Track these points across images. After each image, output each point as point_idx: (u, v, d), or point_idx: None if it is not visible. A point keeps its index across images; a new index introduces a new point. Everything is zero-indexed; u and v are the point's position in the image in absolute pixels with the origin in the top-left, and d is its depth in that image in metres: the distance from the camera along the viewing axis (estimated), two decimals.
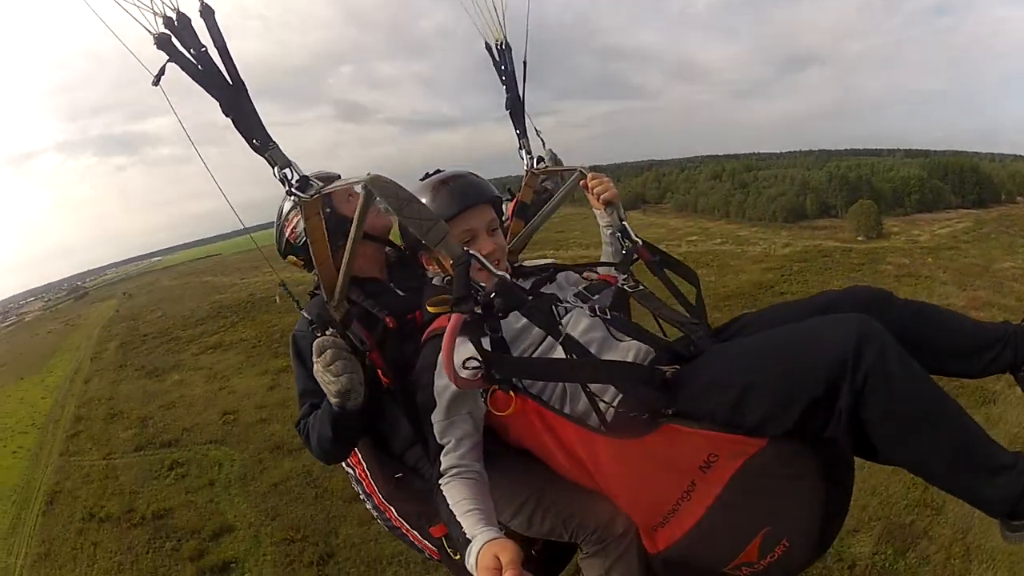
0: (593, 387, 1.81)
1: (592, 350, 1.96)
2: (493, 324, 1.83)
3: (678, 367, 1.78)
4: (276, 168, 1.79)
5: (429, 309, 2.12)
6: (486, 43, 2.69)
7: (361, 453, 2.44)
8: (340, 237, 2.04)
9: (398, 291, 2.51)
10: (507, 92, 2.72)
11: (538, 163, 2.75)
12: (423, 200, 2.07)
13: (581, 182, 2.51)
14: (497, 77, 2.73)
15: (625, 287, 2.29)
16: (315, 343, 1.93)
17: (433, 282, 2.31)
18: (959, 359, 1.87)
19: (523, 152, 2.76)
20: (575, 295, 2.14)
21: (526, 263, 2.51)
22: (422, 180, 2.26)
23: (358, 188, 1.83)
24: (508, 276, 1.86)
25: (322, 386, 1.96)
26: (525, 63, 2.68)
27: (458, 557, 1.66)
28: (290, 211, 2.46)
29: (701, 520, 1.75)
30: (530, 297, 2.05)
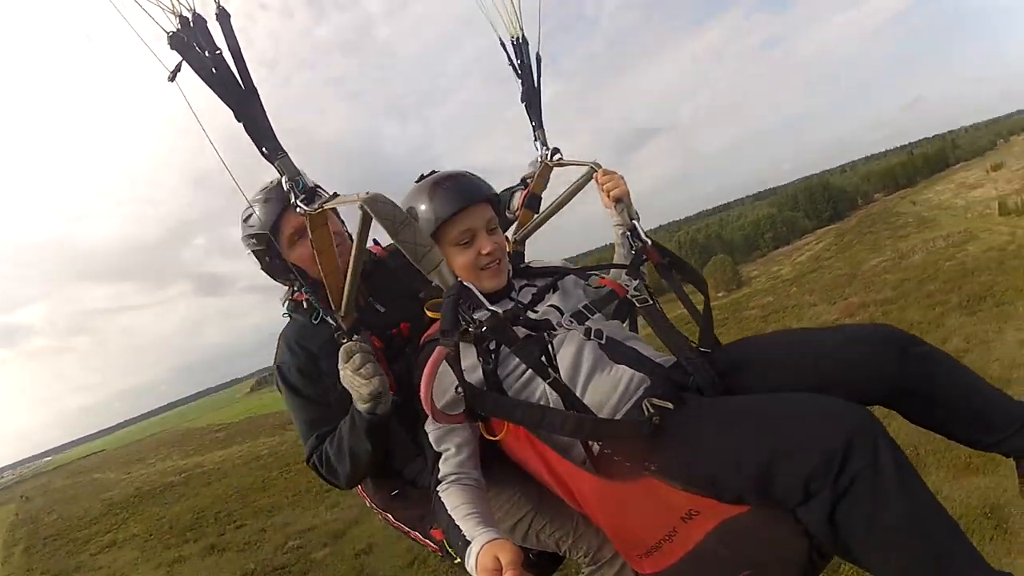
0: None
1: (582, 374, 1.91)
2: (486, 357, 1.81)
3: (671, 406, 1.73)
4: (285, 178, 1.78)
5: (428, 312, 2.11)
6: (500, 39, 2.66)
7: None
8: (281, 278, 2.43)
9: (377, 306, 2.41)
10: (523, 84, 2.66)
11: (553, 155, 2.66)
12: (420, 203, 2.08)
13: (594, 176, 2.47)
14: (512, 72, 2.68)
15: (634, 300, 2.21)
16: (343, 348, 1.89)
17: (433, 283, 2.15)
18: (966, 428, 1.77)
19: (538, 143, 2.68)
20: (573, 315, 2.07)
21: (533, 263, 2.44)
22: (417, 182, 2.19)
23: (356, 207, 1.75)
24: (500, 312, 1.76)
25: (353, 391, 1.91)
26: (539, 57, 2.67)
27: (458, 561, 1.65)
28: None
29: (682, 559, 1.70)
30: (525, 328, 1.92)
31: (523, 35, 2.64)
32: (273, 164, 1.75)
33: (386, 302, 2.39)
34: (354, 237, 1.80)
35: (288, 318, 2.42)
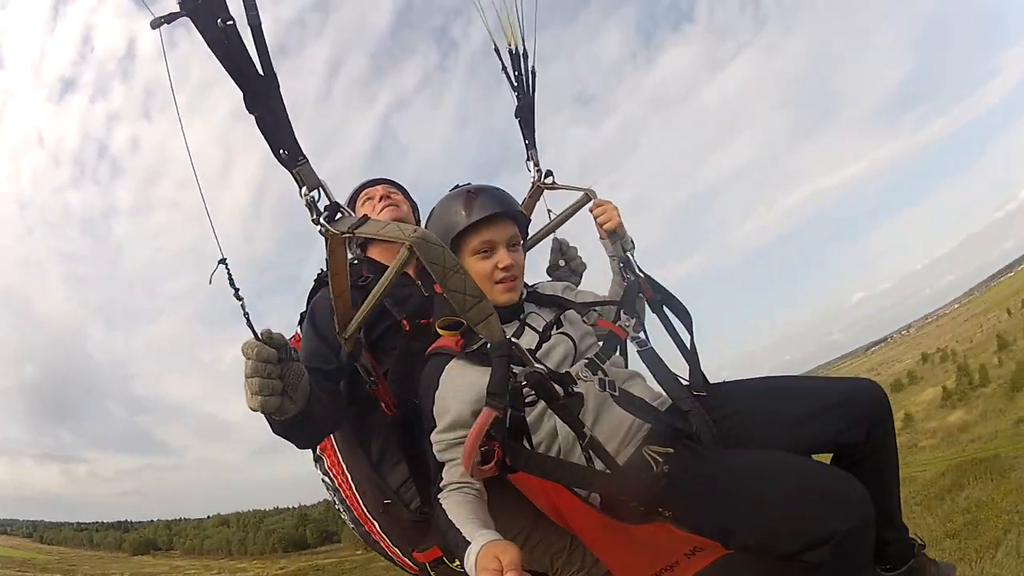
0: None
1: (588, 418, 1.90)
2: (518, 407, 1.65)
3: (671, 451, 1.80)
4: (303, 189, 1.50)
5: (438, 330, 2.04)
6: (495, 46, 2.57)
7: (351, 472, 2.31)
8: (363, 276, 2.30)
9: (424, 291, 2.35)
10: (518, 99, 2.57)
11: (545, 177, 2.56)
12: (450, 208, 2.06)
13: (588, 206, 2.40)
14: (508, 84, 2.61)
15: (634, 344, 2.17)
16: (242, 346, 1.57)
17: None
18: (878, 510, 1.68)
19: (531, 164, 2.58)
20: (586, 365, 2.00)
21: (539, 288, 2.36)
22: (451, 190, 2.18)
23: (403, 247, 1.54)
24: (544, 370, 1.66)
25: None
26: (534, 71, 2.57)
27: (457, 565, 1.63)
28: None
29: None
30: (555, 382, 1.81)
31: (523, 46, 2.56)
32: (291, 172, 1.48)
33: (402, 289, 2.32)
34: (388, 270, 1.60)
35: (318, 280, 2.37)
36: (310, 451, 2.37)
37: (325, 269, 2.07)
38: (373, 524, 2.30)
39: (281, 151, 1.47)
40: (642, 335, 2.19)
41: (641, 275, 2.29)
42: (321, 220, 1.52)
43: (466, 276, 1.52)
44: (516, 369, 1.59)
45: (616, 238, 2.31)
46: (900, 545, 1.95)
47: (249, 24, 1.39)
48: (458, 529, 1.65)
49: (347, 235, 1.52)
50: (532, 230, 2.59)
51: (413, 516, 2.13)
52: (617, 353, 2.22)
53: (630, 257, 2.31)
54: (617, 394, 1.93)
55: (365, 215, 1.62)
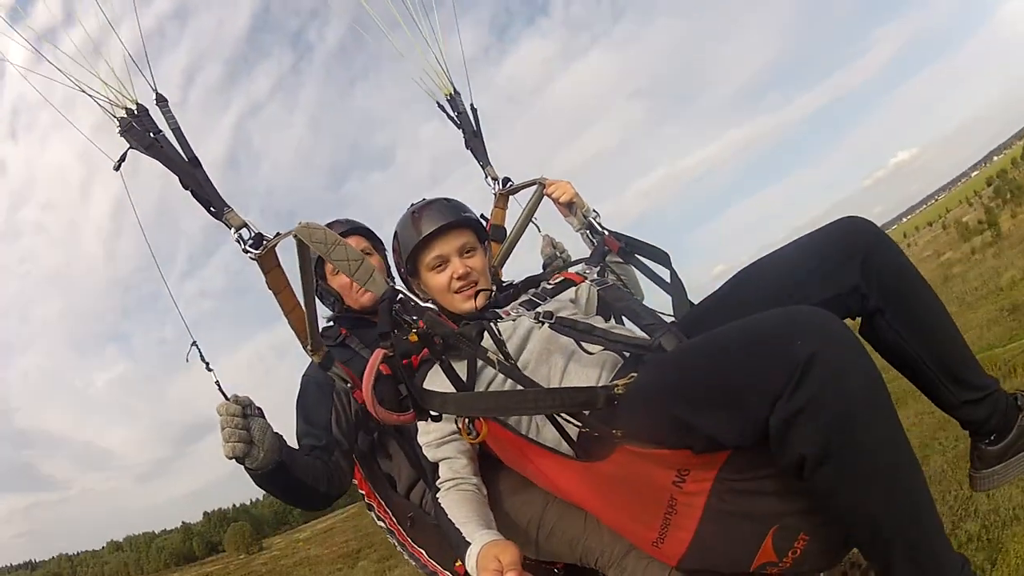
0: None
1: (558, 367, 1.84)
2: (438, 355, 1.79)
3: (634, 375, 1.51)
4: (232, 229, 1.81)
5: (409, 339, 1.90)
6: (437, 102, 2.86)
7: (383, 498, 2.42)
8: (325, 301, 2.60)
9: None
10: (464, 133, 2.84)
11: (504, 184, 2.77)
12: (404, 230, 2.18)
13: (544, 192, 2.55)
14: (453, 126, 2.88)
15: (592, 283, 2.19)
16: (216, 408, 1.85)
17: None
18: (935, 370, 1.54)
19: (489, 179, 2.80)
20: (521, 303, 2.07)
21: (517, 282, 2.42)
22: (407, 210, 2.26)
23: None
24: (433, 306, 1.93)
25: None
26: (474, 108, 2.87)
27: (459, 564, 1.63)
28: None
29: (697, 533, 1.50)
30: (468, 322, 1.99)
31: (455, 89, 2.82)
32: (220, 220, 1.81)
33: (370, 331, 2.42)
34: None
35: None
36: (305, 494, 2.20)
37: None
38: (423, 553, 2.34)
39: (211, 208, 1.83)
40: (608, 278, 2.21)
41: (606, 232, 2.38)
42: (248, 248, 1.78)
43: (346, 246, 1.71)
44: (415, 316, 1.73)
45: (575, 208, 2.42)
46: (991, 405, 1.54)
47: (171, 129, 1.85)
48: (458, 529, 1.66)
49: (264, 253, 1.79)
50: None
51: (430, 520, 2.13)
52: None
53: (592, 221, 2.41)
54: (553, 321, 1.91)
55: (278, 232, 1.80)
